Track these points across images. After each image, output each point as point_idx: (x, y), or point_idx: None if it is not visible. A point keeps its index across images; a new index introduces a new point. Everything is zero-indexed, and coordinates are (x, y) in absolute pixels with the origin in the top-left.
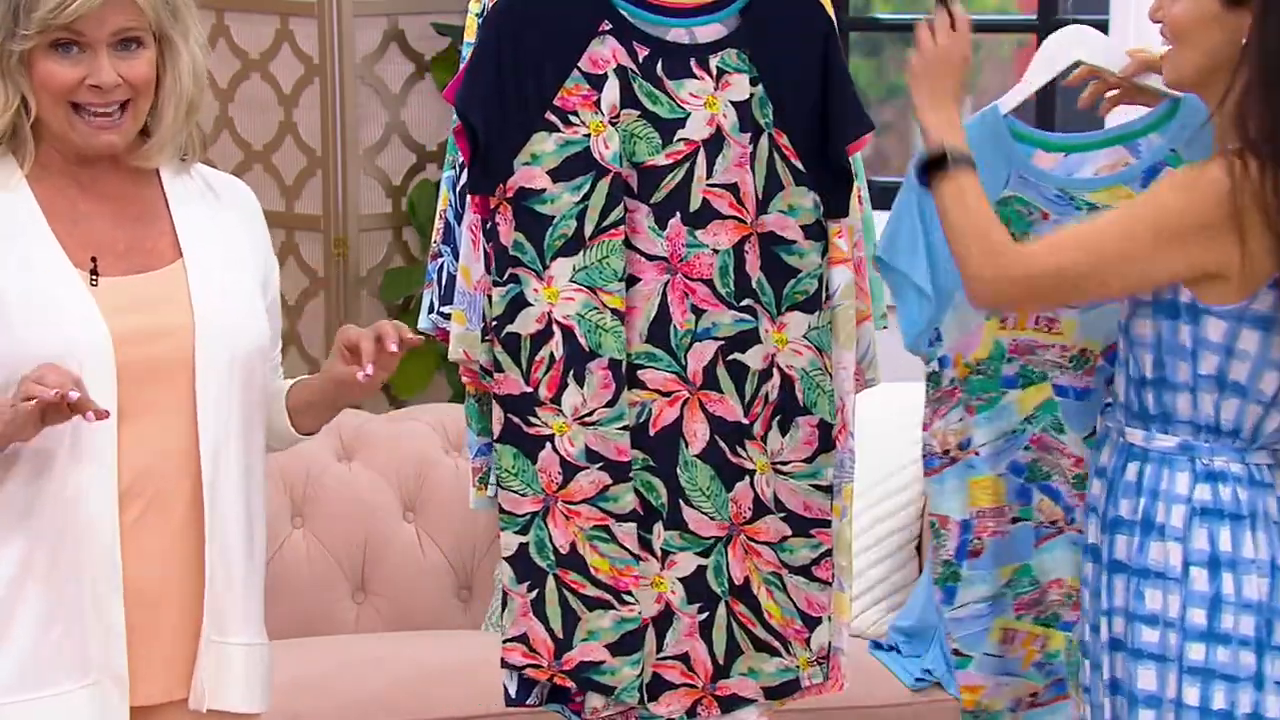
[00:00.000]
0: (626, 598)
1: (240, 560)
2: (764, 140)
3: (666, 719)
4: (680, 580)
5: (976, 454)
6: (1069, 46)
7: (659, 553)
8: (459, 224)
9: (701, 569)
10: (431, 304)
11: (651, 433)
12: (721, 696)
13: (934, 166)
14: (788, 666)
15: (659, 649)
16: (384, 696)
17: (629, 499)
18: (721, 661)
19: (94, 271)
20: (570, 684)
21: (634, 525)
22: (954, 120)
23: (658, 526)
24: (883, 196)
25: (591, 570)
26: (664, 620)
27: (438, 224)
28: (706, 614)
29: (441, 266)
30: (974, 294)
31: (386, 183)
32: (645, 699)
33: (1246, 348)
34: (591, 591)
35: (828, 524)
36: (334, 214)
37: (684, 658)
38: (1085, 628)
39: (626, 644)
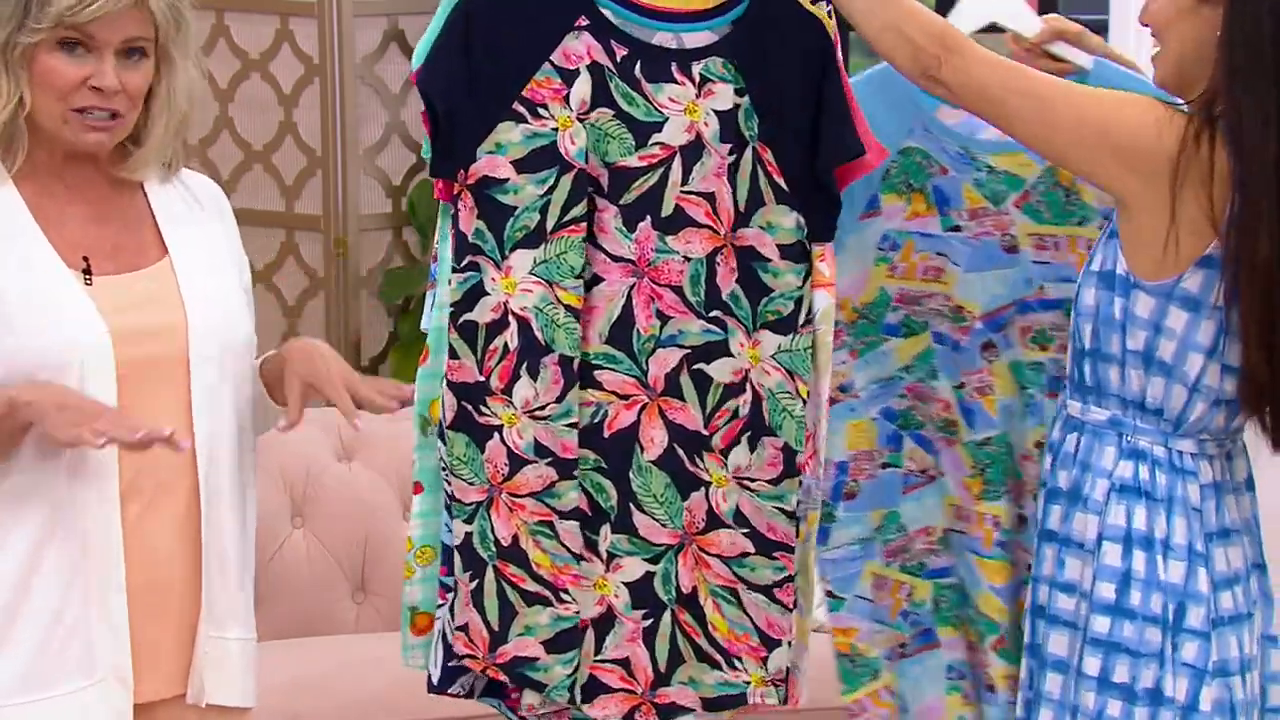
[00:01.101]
0: (564, 596)
1: (235, 555)
2: (748, 153)
3: None
4: (625, 585)
5: (857, 397)
6: (984, 7)
7: (604, 555)
8: None
9: (649, 575)
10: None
11: (605, 434)
12: (660, 704)
13: None
14: (729, 680)
15: (598, 651)
16: (384, 696)
17: (572, 496)
18: (663, 669)
19: (87, 271)
20: (503, 677)
21: (577, 524)
22: None
23: (605, 529)
24: None
25: (533, 565)
26: (604, 623)
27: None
28: (651, 620)
29: None
30: (920, 63)
31: (386, 183)
32: (578, 699)
33: (1174, 326)
34: (531, 586)
35: (791, 549)
36: (334, 214)
37: (624, 662)
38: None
39: (561, 642)
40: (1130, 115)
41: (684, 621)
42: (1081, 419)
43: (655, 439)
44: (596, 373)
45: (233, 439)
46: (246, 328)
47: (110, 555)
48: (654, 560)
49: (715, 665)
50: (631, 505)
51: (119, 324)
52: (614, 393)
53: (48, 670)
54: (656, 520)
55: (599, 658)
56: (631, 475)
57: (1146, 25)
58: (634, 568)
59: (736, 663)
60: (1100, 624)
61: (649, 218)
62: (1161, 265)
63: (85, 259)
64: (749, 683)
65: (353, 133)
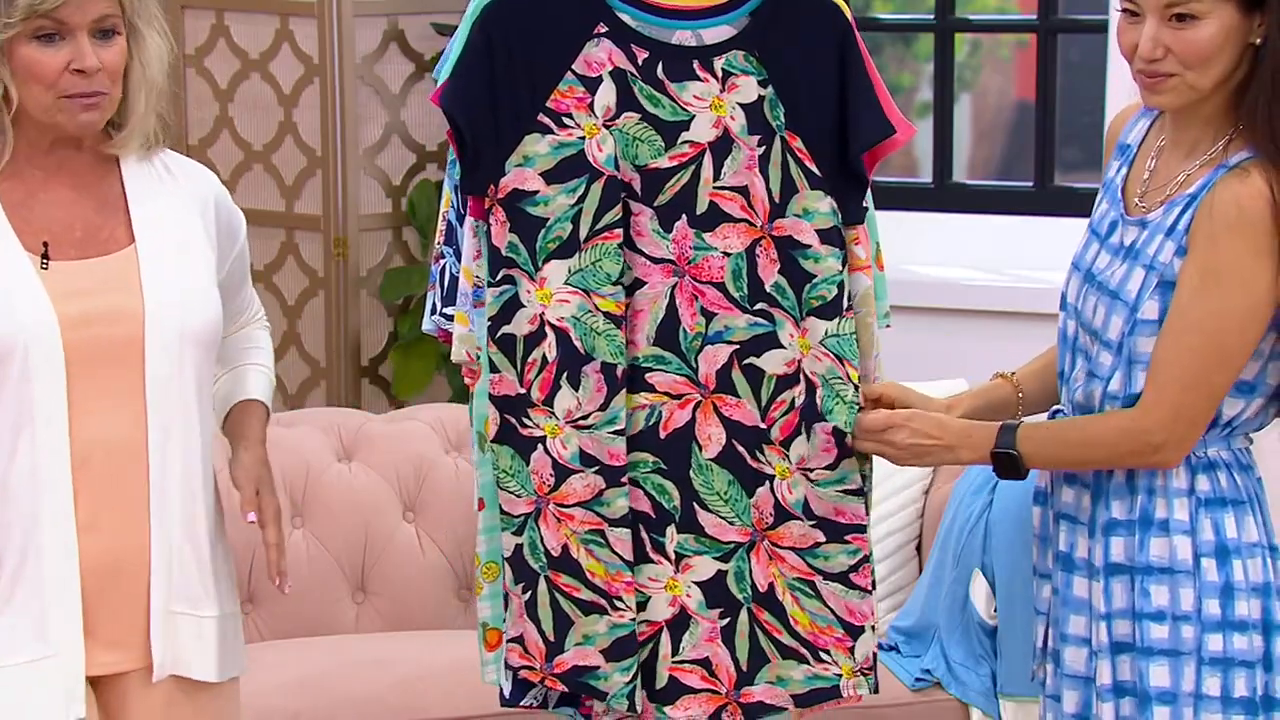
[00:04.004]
0: (618, 603)
1: (194, 537)
2: (776, 142)
3: None
4: (697, 584)
5: None
6: None
7: (672, 555)
8: (460, 225)
9: (721, 574)
10: (434, 305)
11: (662, 435)
12: (746, 704)
13: (1010, 464)
14: (818, 674)
15: (675, 652)
16: (384, 696)
17: (621, 504)
18: (745, 668)
19: (45, 255)
20: (562, 687)
21: (628, 531)
22: (967, 431)
23: (670, 529)
24: (884, 197)
25: (587, 574)
26: (679, 624)
27: (439, 225)
28: (728, 620)
29: (444, 268)
30: (1169, 463)
31: (386, 183)
32: (638, 707)
33: (1263, 348)
34: (586, 595)
35: (863, 528)
36: (334, 214)
37: (704, 662)
38: (1044, 658)
39: (618, 650)
40: (1253, 261)
41: (763, 620)
42: None
43: (713, 437)
44: (648, 375)
45: (191, 424)
46: (211, 315)
47: (63, 532)
48: (724, 558)
49: (802, 660)
50: (695, 504)
51: (70, 309)
52: (666, 393)
53: (2, 642)
54: (723, 518)
55: (677, 659)
56: (692, 474)
57: (1156, 60)
58: (704, 567)
59: (824, 655)
60: (1215, 642)
61: (684, 216)
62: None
63: (44, 244)
64: (840, 675)
65: (353, 133)
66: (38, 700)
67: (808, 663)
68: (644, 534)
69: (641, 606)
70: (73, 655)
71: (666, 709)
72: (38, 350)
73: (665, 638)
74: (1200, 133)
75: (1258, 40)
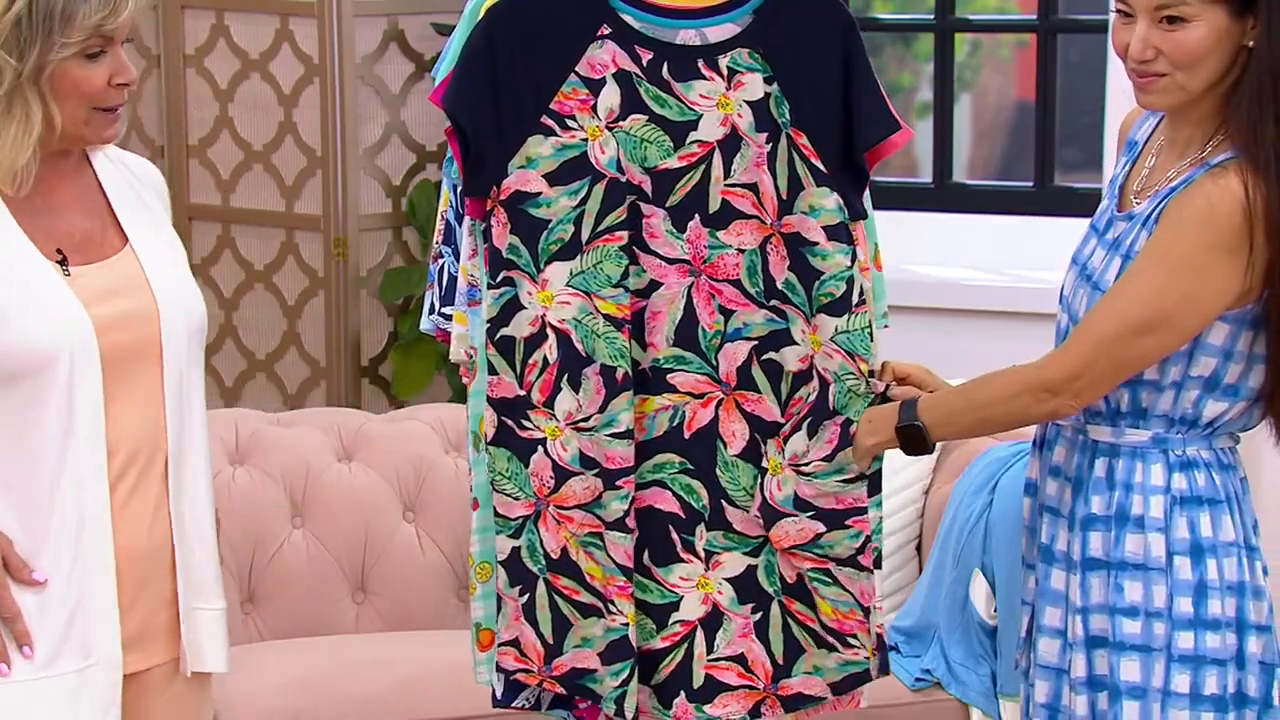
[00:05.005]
0: (612, 607)
1: (207, 526)
2: (783, 140)
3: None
4: (728, 581)
5: None
6: None
7: (702, 553)
8: (459, 224)
9: (751, 569)
10: (432, 305)
11: (686, 435)
12: (784, 696)
13: (917, 437)
14: (849, 660)
15: (710, 650)
16: (384, 696)
17: (616, 507)
18: (781, 661)
19: (63, 263)
20: (560, 690)
21: (624, 535)
22: (872, 426)
23: (699, 527)
24: (884, 197)
25: (586, 576)
26: (712, 621)
27: (438, 224)
28: (760, 614)
29: (442, 268)
30: (1060, 412)
31: (386, 183)
32: (627, 714)
33: (1242, 349)
34: (585, 598)
35: (863, 511)
36: (334, 214)
37: (740, 659)
38: (1026, 647)
39: (611, 653)
40: (1208, 254)
41: (795, 610)
42: (1115, 443)
43: (736, 433)
44: (669, 376)
45: (199, 418)
46: (201, 304)
47: (101, 541)
48: (753, 553)
49: (833, 648)
50: (723, 501)
51: (99, 314)
52: (688, 393)
53: (46, 649)
54: (750, 513)
55: (712, 657)
56: (718, 471)
57: (1147, 62)
58: (734, 563)
59: (852, 640)
60: (1185, 640)
61: (697, 216)
62: (1246, 297)
63: (60, 251)
64: (868, 657)
65: (353, 133)
66: (80, 708)
67: (838, 650)
68: (674, 534)
69: (675, 607)
70: (111, 663)
71: (705, 708)
72: (81, 356)
73: (700, 637)
74: (1192, 133)
75: (1250, 43)
